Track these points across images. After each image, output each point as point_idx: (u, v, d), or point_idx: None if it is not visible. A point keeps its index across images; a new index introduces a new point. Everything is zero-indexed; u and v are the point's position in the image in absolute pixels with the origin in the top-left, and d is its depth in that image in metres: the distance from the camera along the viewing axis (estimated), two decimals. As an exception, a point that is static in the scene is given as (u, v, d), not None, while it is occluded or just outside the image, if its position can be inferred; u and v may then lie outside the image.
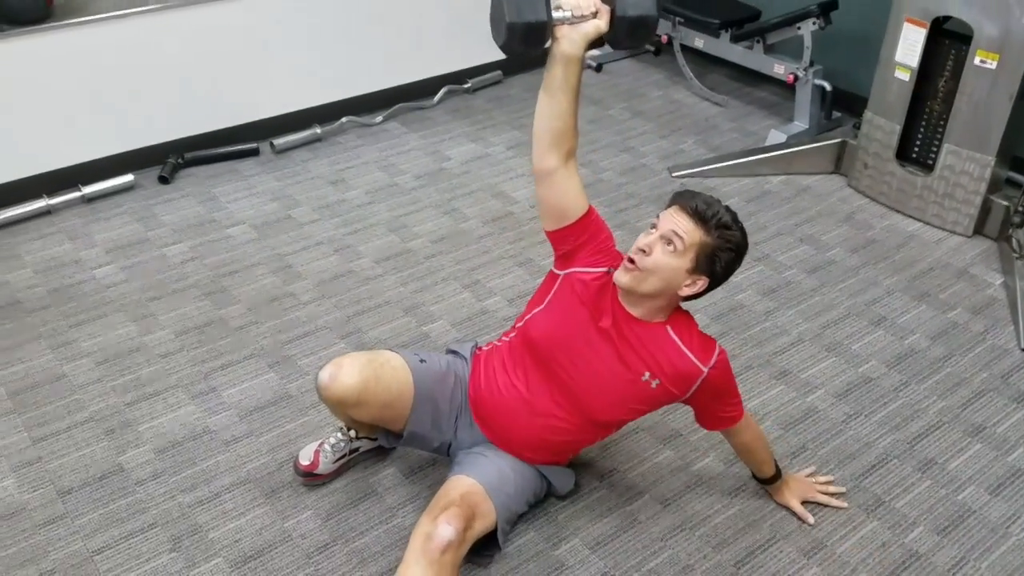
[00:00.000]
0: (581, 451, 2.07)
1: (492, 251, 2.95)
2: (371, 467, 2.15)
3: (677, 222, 1.67)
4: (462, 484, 1.77)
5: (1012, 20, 2.73)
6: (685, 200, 1.70)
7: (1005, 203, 3.00)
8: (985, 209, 3.04)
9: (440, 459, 2.11)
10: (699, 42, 3.94)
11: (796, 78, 3.59)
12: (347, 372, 1.81)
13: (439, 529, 1.64)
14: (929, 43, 2.97)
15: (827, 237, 3.07)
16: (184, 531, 1.98)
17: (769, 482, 2.04)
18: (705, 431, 1.99)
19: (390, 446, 2.11)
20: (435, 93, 3.91)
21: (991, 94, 2.86)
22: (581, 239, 1.78)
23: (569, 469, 2.02)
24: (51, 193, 3.10)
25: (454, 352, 2.02)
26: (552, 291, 1.83)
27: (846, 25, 3.55)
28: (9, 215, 3.00)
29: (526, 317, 1.87)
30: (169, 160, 3.32)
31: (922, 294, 2.80)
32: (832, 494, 2.08)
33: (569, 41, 1.62)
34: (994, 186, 3.03)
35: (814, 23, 3.47)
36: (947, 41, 2.96)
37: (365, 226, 3.09)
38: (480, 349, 2.00)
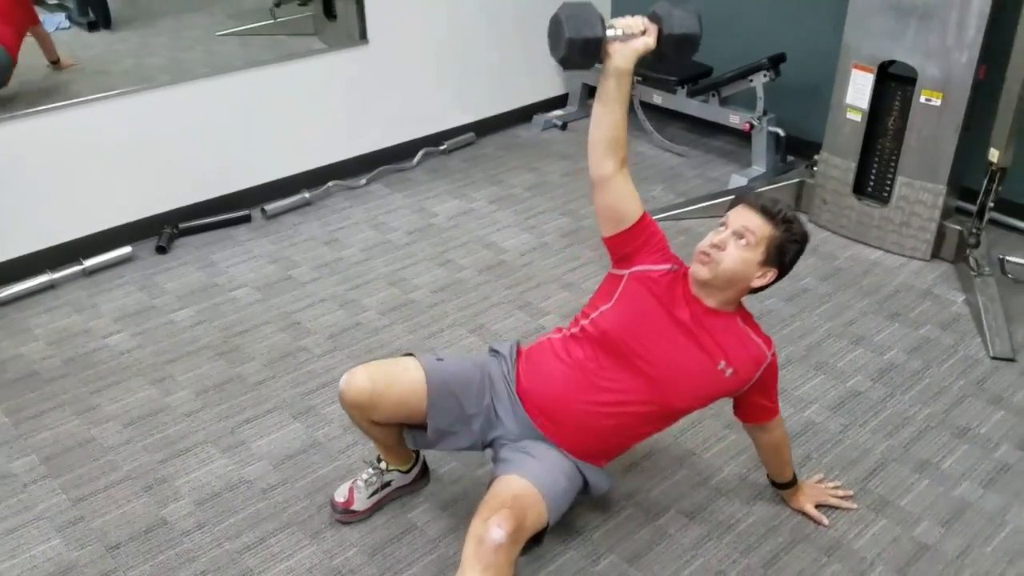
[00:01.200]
0: (618, 455, 2.10)
1: (491, 297, 3.09)
2: (407, 503, 2.24)
3: (747, 218, 1.84)
4: (513, 484, 1.82)
5: (952, 61, 3.03)
6: (751, 199, 1.87)
7: (958, 228, 3.27)
8: (940, 234, 3.30)
9: (477, 495, 2.22)
10: (658, 98, 4.21)
11: (752, 127, 3.86)
12: (359, 376, 1.94)
13: (491, 532, 1.67)
14: (877, 86, 3.26)
15: (798, 269, 3.23)
16: (237, 575, 2.03)
17: (786, 487, 2.19)
18: (715, 450, 2.14)
19: (417, 447, 2.12)
20: (413, 155, 4.08)
21: (938, 129, 3.15)
22: (638, 241, 1.91)
23: (605, 471, 2.05)
24: (53, 268, 3.15)
25: (495, 352, 2.08)
26: (619, 288, 1.93)
27: (794, 76, 3.84)
28: (14, 291, 3.05)
29: (592, 315, 1.95)
30: (165, 230, 3.41)
31: (893, 314, 3.02)
32: (842, 497, 2.25)
33: (621, 56, 1.78)
34: (946, 213, 3.30)
35: (765, 75, 3.77)
36: (893, 83, 3.26)
37: (365, 281, 3.21)
38: (522, 347, 2.07)
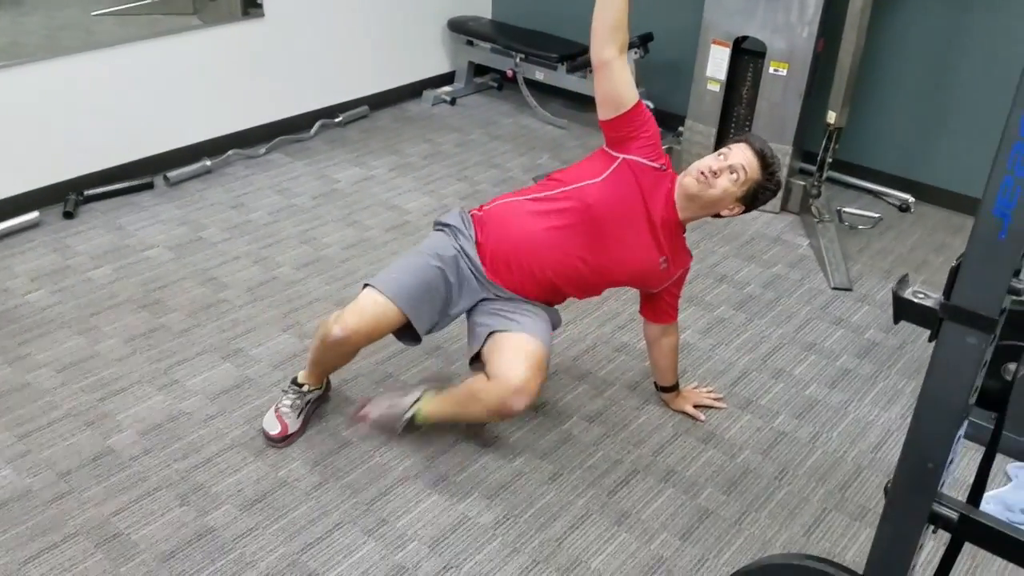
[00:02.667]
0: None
1: (400, 252, 3.34)
2: (337, 420, 2.47)
3: (747, 157, 2.12)
4: (528, 343, 2.16)
5: (796, 36, 3.51)
6: (753, 139, 2.16)
7: (802, 183, 3.76)
8: (788, 190, 3.79)
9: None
10: (540, 75, 4.55)
11: (625, 98, 4.26)
12: (351, 322, 2.17)
13: (528, 385, 2.10)
14: (733, 59, 3.71)
15: (670, 221, 3.70)
16: (188, 490, 2.22)
17: (670, 390, 2.56)
18: (608, 368, 2.48)
19: (414, 344, 2.36)
20: (310, 127, 4.27)
21: (784, 96, 3.62)
22: (633, 126, 2.13)
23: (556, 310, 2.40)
24: (-41, 232, 3.19)
25: (443, 225, 2.32)
26: (610, 168, 2.16)
27: (661, 54, 4.27)
28: (-78, 254, 3.07)
29: (575, 184, 2.18)
30: (70, 196, 3.48)
31: (749, 257, 3.47)
32: (715, 399, 2.64)
33: None
34: (792, 171, 3.79)
35: (635, 53, 4.17)
36: (746, 56, 3.72)
37: (276, 241, 3.40)
38: (475, 211, 2.31)
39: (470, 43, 4.74)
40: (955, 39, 3.62)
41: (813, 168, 3.79)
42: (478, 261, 2.25)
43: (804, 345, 2.95)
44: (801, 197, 3.76)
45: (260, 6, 4.00)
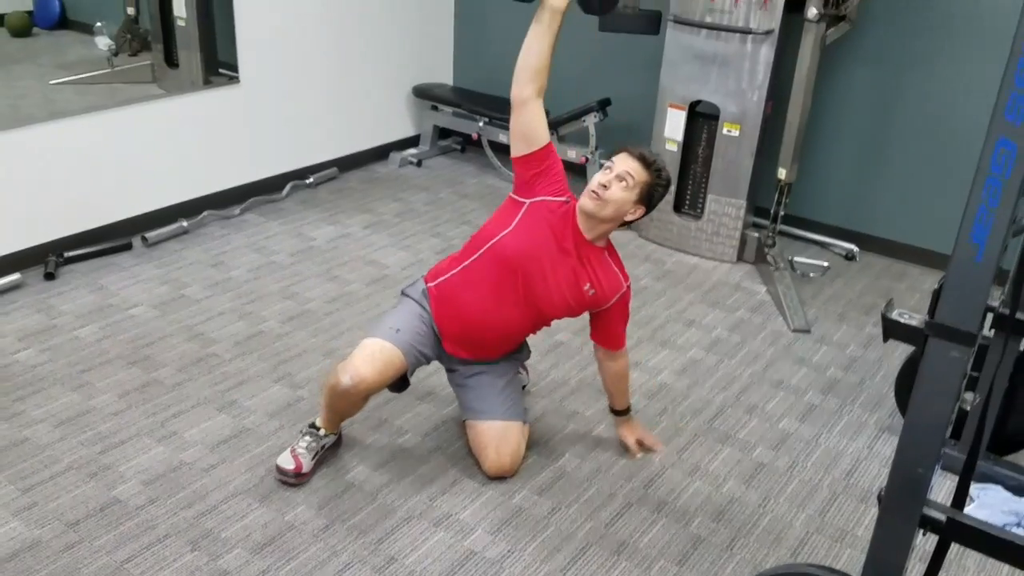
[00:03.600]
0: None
1: (381, 305, 3.45)
2: (340, 467, 2.55)
3: (630, 165, 2.31)
4: (502, 433, 2.50)
5: (747, 100, 3.78)
6: (633, 149, 2.34)
7: (756, 235, 4.00)
8: (743, 241, 4.02)
9: (405, 453, 2.58)
10: (503, 137, 4.76)
11: (587, 160, 4.49)
12: (364, 372, 2.31)
13: (506, 471, 2.51)
14: (688, 121, 3.96)
15: (636, 272, 3.89)
16: (197, 536, 2.26)
17: (620, 414, 2.66)
18: (593, 409, 2.63)
19: (399, 392, 2.56)
20: (283, 188, 4.38)
21: (737, 154, 3.88)
22: (544, 165, 2.33)
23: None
24: (-60, 294, 3.19)
25: (406, 295, 2.54)
26: (519, 215, 2.36)
27: (619, 116, 4.51)
28: (-96, 315, 3.06)
29: (493, 240, 2.37)
30: (50, 258, 3.51)
31: (713, 303, 3.67)
32: (652, 443, 2.69)
33: None
34: (746, 224, 4.03)
35: (595, 116, 4.41)
36: (701, 119, 3.98)
37: (259, 296, 3.47)
38: (429, 284, 2.49)
39: (434, 108, 4.93)
40: (891, 101, 3.94)
41: (766, 221, 4.04)
42: (439, 336, 2.48)
43: (773, 383, 3.13)
44: (756, 247, 4.00)
45: (236, 73, 4.14)
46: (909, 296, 3.83)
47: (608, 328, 2.51)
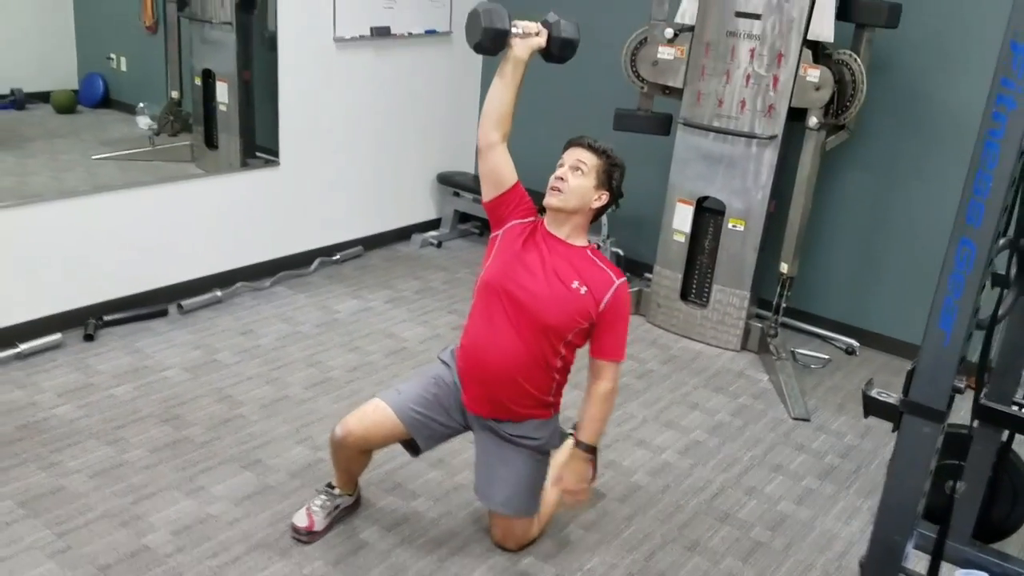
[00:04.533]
0: (550, 394, 2.53)
1: (399, 375, 3.62)
2: (355, 526, 2.68)
3: (579, 154, 2.41)
4: (509, 528, 2.58)
5: (750, 197, 4.02)
6: (578, 140, 2.45)
7: (759, 325, 4.18)
8: (747, 331, 4.20)
9: (417, 516, 2.72)
10: (519, 222, 5.00)
11: (599, 247, 4.70)
12: (352, 426, 2.47)
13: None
14: (696, 215, 4.20)
15: (643, 356, 4.07)
16: (222, 584, 2.40)
17: (579, 446, 2.50)
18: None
19: (416, 455, 2.66)
20: (310, 263, 4.62)
21: (742, 248, 4.09)
22: (512, 203, 2.44)
23: (552, 424, 2.58)
24: (-14, 350, 3.40)
25: (439, 358, 2.64)
26: (496, 245, 2.46)
27: (630, 209, 4.74)
28: (-47, 368, 3.26)
29: (479, 277, 2.48)
30: (90, 321, 3.72)
31: (717, 388, 3.83)
32: (579, 498, 2.62)
33: (520, 48, 2.37)
34: (750, 314, 4.22)
35: (608, 207, 4.65)
36: (708, 213, 4.21)
37: (285, 363, 3.66)
38: (458, 348, 2.57)
39: (456, 194, 5.20)
40: (887, 205, 4.18)
41: (768, 313, 4.23)
42: (461, 395, 2.54)
43: (772, 467, 3.26)
44: (760, 337, 4.17)
45: (271, 157, 4.42)
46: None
47: (608, 331, 2.44)
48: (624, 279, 2.47)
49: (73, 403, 3.21)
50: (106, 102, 5.08)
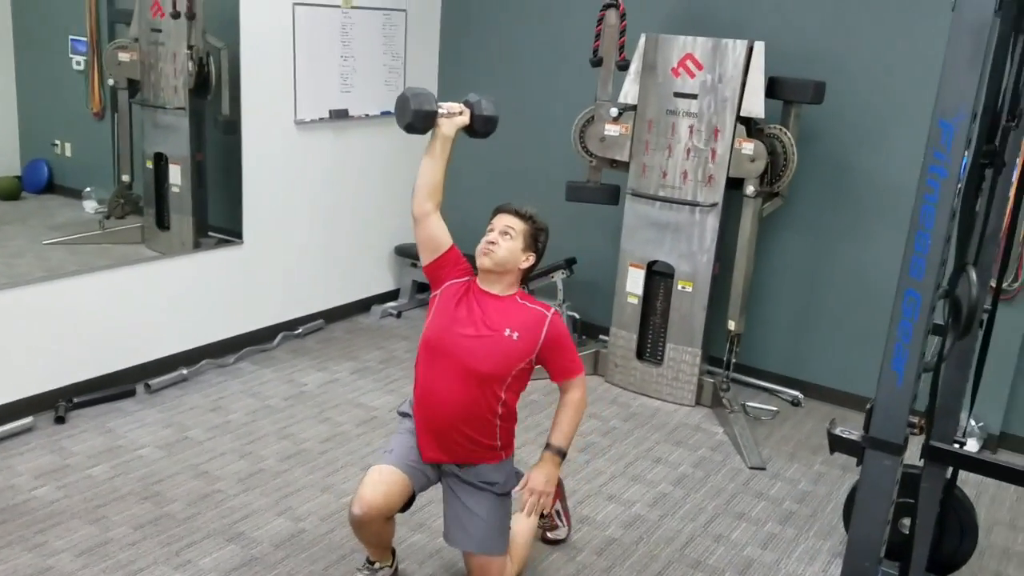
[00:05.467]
0: (497, 438, 2.63)
1: (372, 443, 3.71)
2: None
3: (507, 220, 2.62)
4: (481, 567, 2.64)
5: (697, 261, 4.28)
6: (505, 206, 2.67)
7: (712, 380, 4.40)
8: (700, 386, 4.42)
9: None
10: (475, 291, 5.18)
11: (557, 307, 4.90)
12: (372, 499, 2.52)
13: None
14: (647, 278, 4.44)
15: (604, 414, 4.25)
16: (220, 655, 2.44)
17: (550, 449, 2.64)
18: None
19: (405, 510, 2.71)
20: (274, 338, 4.69)
21: (691, 308, 4.33)
22: (449, 264, 2.64)
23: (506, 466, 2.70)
24: (-43, 435, 3.38)
25: (401, 412, 2.77)
26: (435, 304, 2.64)
27: (584, 274, 4.99)
28: (-74, 455, 3.24)
29: (422, 335, 2.63)
30: (60, 403, 3.73)
31: (677, 442, 4.02)
32: (538, 509, 2.65)
33: (447, 126, 2.59)
34: (702, 371, 4.44)
35: (563, 273, 4.88)
36: (658, 276, 4.45)
37: (257, 437, 3.72)
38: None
39: (413, 264, 5.35)
40: (821, 264, 4.48)
41: (717, 369, 4.46)
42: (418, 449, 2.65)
43: (735, 514, 3.44)
44: (712, 392, 4.39)
45: (224, 236, 4.53)
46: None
47: (558, 357, 2.64)
48: (554, 310, 2.66)
49: (51, 484, 3.22)
50: (50, 187, 5.10)
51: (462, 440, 2.60)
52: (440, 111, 2.61)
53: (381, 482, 2.58)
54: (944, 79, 1.81)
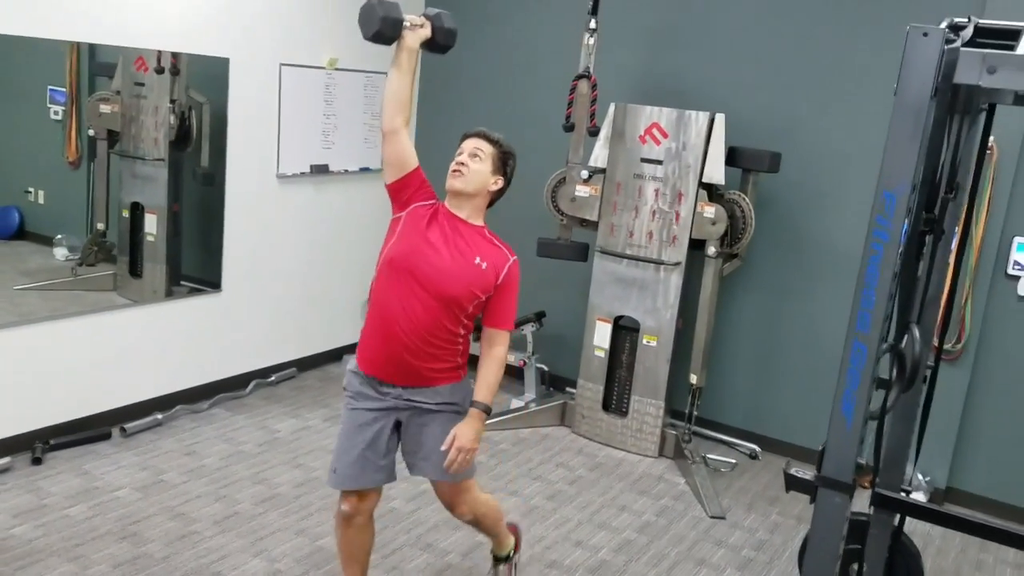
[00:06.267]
0: (458, 356, 2.64)
1: (347, 489, 3.80)
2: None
3: (476, 143, 2.65)
4: (450, 489, 2.76)
5: (660, 316, 4.48)
6: (475, 131, 2.69)
7: (674, 432, 4.57)
8: (663, 438, 4.59)
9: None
10: (446, 343, 5.32)
11: (524, 364, 5.07)
12: (348, 509, 2.66)
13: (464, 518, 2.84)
14: (613, 333, 4.63)
15: (571, 463, 4.38)
16: None
17: (483, 409, 2.60)
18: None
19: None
20: (246, 385, 4.78)
21: (656, 362, 4.52)
22: (414, 185, 2.63)
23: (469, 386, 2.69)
24: (-66, 474, 3.41)
25: (351, 372, 2.70)
26: (399, 226, 2.62)
27: (552, 328, 5.16)
28: (-97, 493, 3.26)
29: (383, 256, 2.60)
30: (37, 444, 3.78)
31: (641, 491, 4.16)
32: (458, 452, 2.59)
33: (411, 38, 2.60)
34: (665, 423, 4.61)
35: (532, 326, 5.05)
36: (624, 331, 4.64)
37: (231, 482, 3.79)
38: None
39: (385, 317, 5.49)
40: (778, 322, 4.72)
41: (680, 422, 4.64)
42: (370, 380, 2.64)
43: (696, 561, 3.58)
44: (675, 443, 4.56)
45: (194, 285, 4.65)
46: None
47: (502, 304, 2.64)
48: (516, 258, 2.69)
49: (29, 523, 3.26)
50: (21, 234, 5.16)
51: (426, 358, 2.58)
52: (405, 22, 2.62)
53: (353, 513, 2.68)
54: (887, 154, 2.03)
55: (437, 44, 2.74)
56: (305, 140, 4.91)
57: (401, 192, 2.65)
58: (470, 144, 2.67)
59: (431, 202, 2.67)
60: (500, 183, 2.69)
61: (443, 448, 2.57)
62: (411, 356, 2.57)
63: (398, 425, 2.69)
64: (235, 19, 4.44)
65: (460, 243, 2.60)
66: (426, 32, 2.66)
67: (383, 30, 2.61)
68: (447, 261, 2.57)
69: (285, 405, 4.71)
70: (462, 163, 2.63)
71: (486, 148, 2.66)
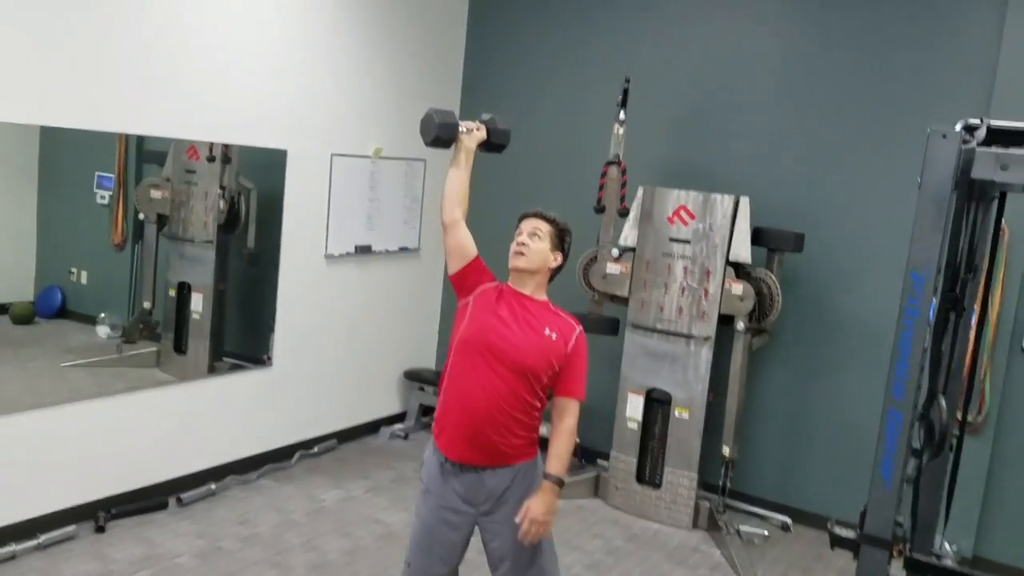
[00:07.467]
0: (534, 431, 2.75)
1: (392, 556, 3.91)
2: None
3: (535, 223, 2.79)
4: None
5: (692, 389, 4.66)
6: (531, 212, 2.84)
7: (708, 504, 4.70)
8: (697, 509, 4.71)
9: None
10: (481, 416, 5.49)
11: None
12: None
13: None
14: (646, 405, 4.80)
15: (607, 534, 4.51)
16: None
17: (555, 482, 2.66)
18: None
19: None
20: (291, 456, 4.96)
21: (688, 434, 4.68)
22: (475, 273, 2.77)
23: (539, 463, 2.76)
24: (4, 543, 3.60)
25: (425, 462, 2.84)
26: (469, 309, 2.75)
27: (584, 402, 5.31)
28: (-20, 560, 3.44)
29: (454, 343, 2.74)
30: (100, 513, 3.96)
31: (678, 562, 4.28)
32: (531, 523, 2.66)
33: (469, 140, 2.83)
34: (699, 496, 4.74)
35: (564, 399, 5.22)
36: (656, 403, 4.82)
37: (284, 549, 3.94)
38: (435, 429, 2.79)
39: (421, 388, 5.70)
40: (808, 397, 4.88)
41: (711, 494, 4.77)
42: (444, 461, 2.73)
43: (735, 627, 3.69)
44: (708, 515, 4.68)
45: (253, 360, 4.87)
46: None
47: (572, 372, 2.75)
48: (581, 328, 2.81)
49: (98, 589, 3.43)
50: (62, 313, 5.38)
51: (503, 430, 2.66)
52: (462, 127, 2.86)
53: None
54: (914, 240, 2.26)
55: (493, 144, 2.99)
56: (351, 222, 5.20)
57: (465, 279, 2.79)
58: (529, 224, 2.81)
59: (495, 283, 2.81)
60: (559, 259, 2.83)
61: (516, 520, 2.64)
62: (492, 430, 2.66)
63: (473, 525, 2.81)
64: (293, 113, 4.78)
65: (529, 317, 2.72)
66: (481, 135, 2.90)
67: (440, 135, 2.87)
68: (519, 335, 2.69)
69: (328, 476, 4.87)
70: (523, 243, 2.76)
71: (544, 227, 2.80)
